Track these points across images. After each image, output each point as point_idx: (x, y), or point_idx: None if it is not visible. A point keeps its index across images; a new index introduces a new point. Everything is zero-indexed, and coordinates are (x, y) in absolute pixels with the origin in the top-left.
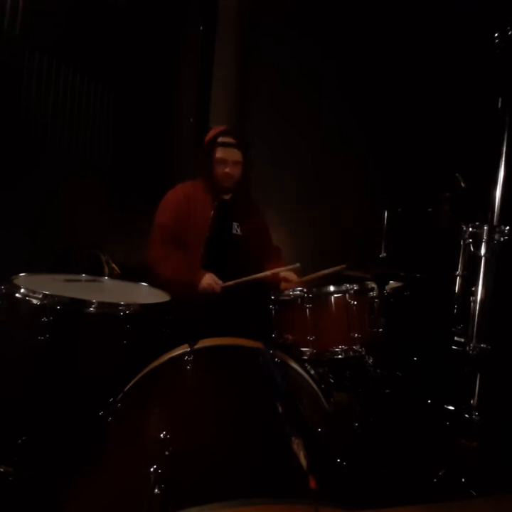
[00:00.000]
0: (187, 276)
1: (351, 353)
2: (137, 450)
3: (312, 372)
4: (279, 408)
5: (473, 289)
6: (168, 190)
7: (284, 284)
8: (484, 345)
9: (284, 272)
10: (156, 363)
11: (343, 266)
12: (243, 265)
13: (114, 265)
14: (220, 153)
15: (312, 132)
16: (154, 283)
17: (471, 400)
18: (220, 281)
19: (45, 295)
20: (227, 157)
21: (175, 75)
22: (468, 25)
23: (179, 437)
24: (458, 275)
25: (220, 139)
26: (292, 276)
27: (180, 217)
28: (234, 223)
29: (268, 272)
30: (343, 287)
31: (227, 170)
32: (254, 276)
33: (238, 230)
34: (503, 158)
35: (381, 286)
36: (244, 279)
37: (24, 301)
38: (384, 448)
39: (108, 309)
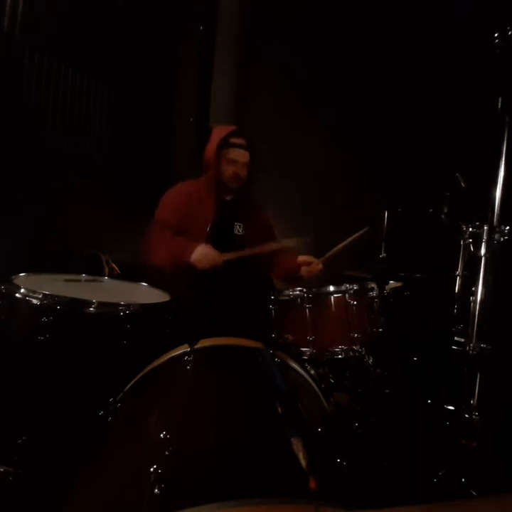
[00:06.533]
0: (182, 253)
1: (351, 353)
2: (137, 450)
3: (312, 372)
4: (279, 408)
5: (473, 289)
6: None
7: (305, 269)
8: (484, 345)
9: (303, 258)
10: (156, 363)
11: (366, 229)
12: (245, 264)
13: (114, 265)
14: (232, 154)
15: (312, 132)
16: (154, 283)
17: (471, 400)
18: (218, 253)
19: (45, 295)
20: (238, 158)
21: (175, 74)
22: (467, 25)
23: (179, 437)
24: (458, 275)
25: (233, 140)
26: (310, 258)
27: (181, 216)
28: (236, 223)
29: (272, 246)
30: (343, 287)
31: (237, 171)
32: (256, 250)
33: (240, 230)
34: (503, 158)
35: (381, 286)
36: (246, 252)
37: (24, 301)
38: (384, 448)
39: (108, 309)
